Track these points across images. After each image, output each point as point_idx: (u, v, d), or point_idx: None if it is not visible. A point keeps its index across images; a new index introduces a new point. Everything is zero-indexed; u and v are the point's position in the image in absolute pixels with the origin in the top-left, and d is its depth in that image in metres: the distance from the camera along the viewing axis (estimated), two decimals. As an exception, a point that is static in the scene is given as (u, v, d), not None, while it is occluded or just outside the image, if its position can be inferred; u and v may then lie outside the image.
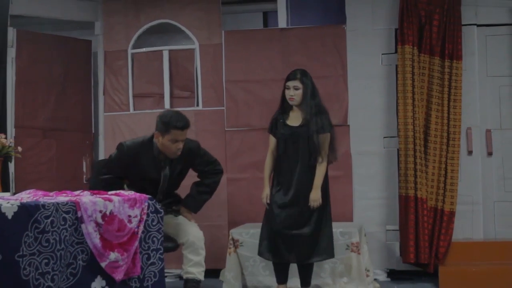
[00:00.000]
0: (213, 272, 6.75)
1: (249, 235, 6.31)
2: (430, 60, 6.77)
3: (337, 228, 6.18)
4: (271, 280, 6.20)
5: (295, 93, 5.68)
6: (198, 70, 7.27)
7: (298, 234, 5.62)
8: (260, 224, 6.30)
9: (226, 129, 7.19)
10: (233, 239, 6.33)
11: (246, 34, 7.29)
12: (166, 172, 5.74)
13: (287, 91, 5.71)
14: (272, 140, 5.79)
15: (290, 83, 5.70)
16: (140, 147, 5.66)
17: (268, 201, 5.70)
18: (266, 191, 5.75)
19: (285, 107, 5.78)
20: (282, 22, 7.26)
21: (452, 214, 6.65)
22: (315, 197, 5.62)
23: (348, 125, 7.00)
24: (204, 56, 7.27)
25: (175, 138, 5.50)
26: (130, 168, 5.67)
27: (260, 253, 5.82)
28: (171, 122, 5.49)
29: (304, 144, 5.64)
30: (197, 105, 7.27)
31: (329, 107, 6.63)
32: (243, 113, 7.17)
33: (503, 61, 6.95)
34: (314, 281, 6.00)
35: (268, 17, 7.68)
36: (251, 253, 6.25)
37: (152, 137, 5.66)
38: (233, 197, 7.05)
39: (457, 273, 6.47)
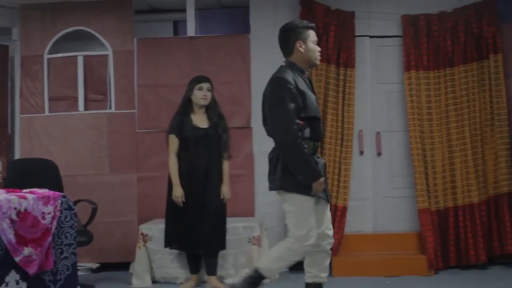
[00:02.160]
0: (123, 265, 7.15)
1: (158, 230, 6.68)
2: (326, 68, 7.24)
3: (240, 222, 6.69)
4: (179, 272, 6.66)
5: (207, 93, 6.25)
6: (111, 75, 7.59)
7: (208, 226, 6.18)
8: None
9: (137, 130, 7.52)
10: (142, 234, 6.70)
11: (157, 42, 7.65)
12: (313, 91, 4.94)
13: (199, 92, 6.23)
14: (176, 142, 6.20)
15: (204, 85, 6.26)
16: (290, 71, 4.80)
17: (184, 199, 6.12)
18: (181, 190, 6.13)
19: (186, 110, 6.27)
20: (191, 31, 7.62)
21: (345, 209, 7.15)
22: (228, 190, 6.28)
23: (251, 127, 7.42)
24: (117, 62, 7.58)
25: (314, 39, 4.91)
26: (297, 92, 4.70)
27: (169, 245, 6.32)
28: (305, 23, 4.92)
29: (213, 144, 6.22)
30: (110, 108, 7.58)
31: (233, 111, 7.13)
32: (153, 116, 7.52)
33: (392, 69, 7.46)
34: (218, 272, 6.46)
35: (178, 26, 8.09)
36: (159, 247, 6.62)
37: (285, 65, 4.90)
38: (143, 194, 7.42)
39: (349, 263, 7.00)
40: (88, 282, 6.58)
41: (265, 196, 7.32)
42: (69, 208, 4.99)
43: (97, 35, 7.65)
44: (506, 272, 6.90)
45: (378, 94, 7.53)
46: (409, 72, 7.21)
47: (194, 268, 6.43)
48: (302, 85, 4.73)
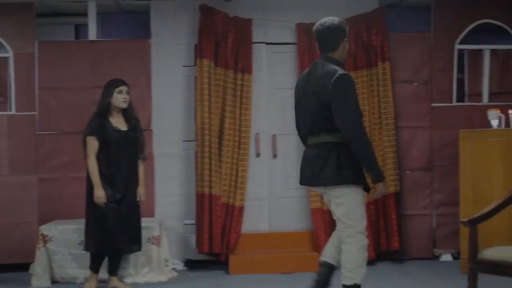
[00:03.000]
0: (23, 266, 7.17)
1: (58, 230, 6.78)
2: (225, 73, 7.47)
3: (140, 223, 6.84)
4: (78, 272, 6.75)
5: (127, 96, 6.33)
6: (11, 77, 7.57)
7: (131, 227, 6.28)
8: (71, 220, 6.82)
9: (37, 132, 7.53)
10: (42, 234, 6.74)
11: (58, 45, 7.68)
12: None
13: (119, 95, 6.27)
14: (96, 144, 6.16)
15: (123, 88, 6.32)
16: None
17: (105, 200, 6.12)
18: (103, 191, 6.10)
19: (106, 112, 6.27)
20: (92, 35, 7.71)
21: (242, 209, 7.42)
22: (144, 191, 6.42)
23: (152, 130, 7.59)
24: (18, 64, 7.57)
25: None
26: None
27: (91, 248, 6.26)
28: (346, 22, 5.06)
29: (132, 146, 6.31)
30: (10, 110, 7.58)
31: None
32: (54, 118, 7.55)
33: (288, 75, 7.76)
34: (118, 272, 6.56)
35: (80, 30, 8.11)
36: (59, 247, 6.74)
37: (329, 61, 4.94)
38: (43, 196, 7.46)
39: (245, 261, 7.25)
40: (-14, 283, 6.59)
41: (164, 197, 7.57)
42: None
43: (-3, 37, 7.65)
44: (392, 267, 7.30)
45: (274, 99, 7.79)
46: (303, 78, 7.51)
47: (97, 268, 6.42)
48: None
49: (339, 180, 4.75)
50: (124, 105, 6.32)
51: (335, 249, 5.01)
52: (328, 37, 4.95)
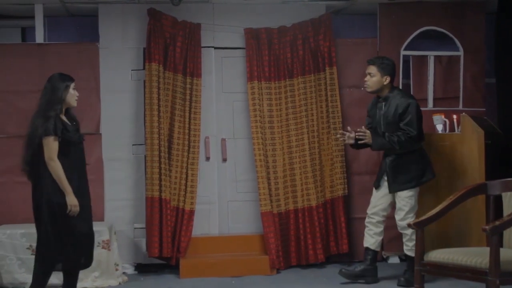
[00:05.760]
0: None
1: (5, 235, 6.69)
2: (174, 77, 7.49)
3: (90, 227, 6.78)
4: (26, 277, 6.57)
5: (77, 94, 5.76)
6: (-44, 80, 7.42)
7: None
8: (19, 225, 6.70)
9: (-17, 136, 7.39)
10: (-10, 239, 6.62)
11: (4, 48, 7.57)
12: None
13: (74, 92, 5.66)
14: (57, 145, 5.41)
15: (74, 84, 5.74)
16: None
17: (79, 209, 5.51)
18: (75, 198, 5.44)
19: (59, 110, 5.57)
20: (39, 38, 7.61)
21: (192, 212, 7.43)
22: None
23: (101, 134, 7.55)
24: (-37, 67, 7.42)
25: None
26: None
27: (76, 265, 5.63)
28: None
29: (84, 147, 5.73)
30: (-46, 113, 7.41)
31: (83, 117, 7.01)
32: (0, 122, 7.46)
33: (236, 79, 7.82)
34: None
35: (26, 33, 8.00)
36: (7, 252, 6.65)
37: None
38: (-11, 200, 7.36)
39: (195, 265, 7.27)
40: None
41: (114, 201, 7.54)
42: None
43: None
44: (341, 270, 7.39)
45: (223, 103, 7.84)
46: (252, 82, 7.58)
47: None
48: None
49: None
50: (76, 104, 5.72)
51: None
52: None
